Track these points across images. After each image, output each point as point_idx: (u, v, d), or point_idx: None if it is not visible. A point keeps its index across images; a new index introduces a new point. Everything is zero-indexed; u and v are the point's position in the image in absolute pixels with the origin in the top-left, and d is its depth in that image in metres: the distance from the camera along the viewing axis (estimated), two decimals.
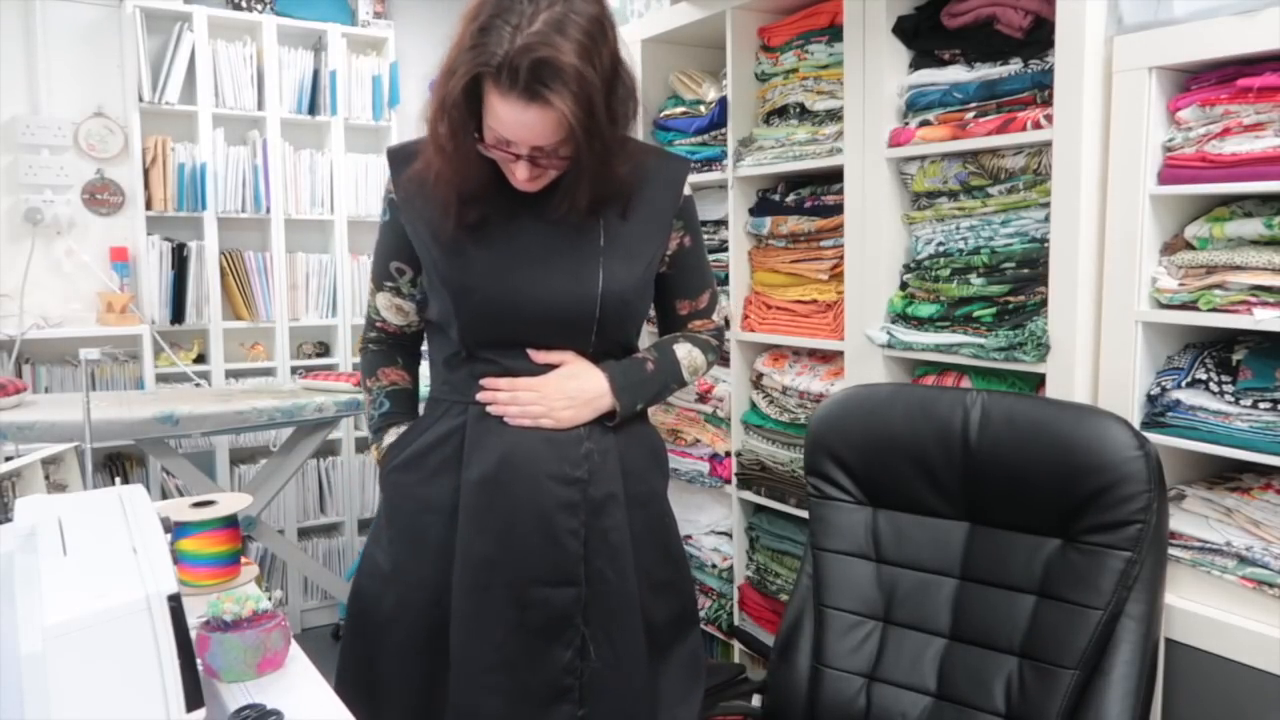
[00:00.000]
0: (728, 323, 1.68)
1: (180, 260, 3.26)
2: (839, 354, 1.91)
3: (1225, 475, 1.44)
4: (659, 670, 1.39)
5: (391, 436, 1.41)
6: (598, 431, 1.32)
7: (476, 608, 1.29)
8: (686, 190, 1.41)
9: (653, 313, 1.50)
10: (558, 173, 1.24)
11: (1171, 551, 1.34)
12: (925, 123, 1.70)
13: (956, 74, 1.67)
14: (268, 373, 3.48)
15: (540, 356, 1.30)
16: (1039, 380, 1.56)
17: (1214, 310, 1.31)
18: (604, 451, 1.32)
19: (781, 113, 2.06)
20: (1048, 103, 1.49)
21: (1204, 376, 1.36)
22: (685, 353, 1.43)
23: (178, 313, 3.28)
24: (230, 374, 3.39)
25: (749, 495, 2.16)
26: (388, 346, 1.47)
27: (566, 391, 1.30)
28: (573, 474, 1.29)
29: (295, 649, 1.16)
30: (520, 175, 1.21)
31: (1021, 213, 1.59)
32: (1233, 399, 1.32)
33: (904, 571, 1.45)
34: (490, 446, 1.30)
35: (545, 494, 1.27)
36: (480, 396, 1.31)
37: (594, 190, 1.25)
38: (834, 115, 1.91)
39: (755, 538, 2.21)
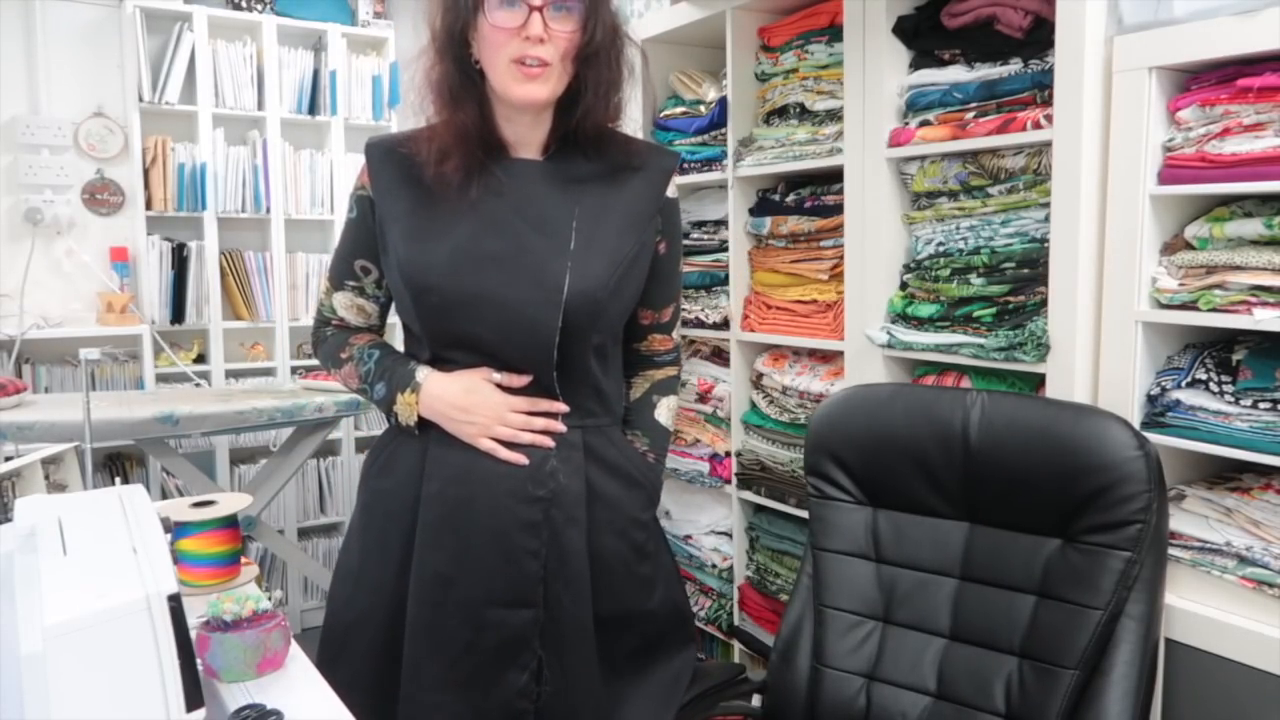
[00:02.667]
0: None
1: (180, 260, 3.26)
2: (839, 354, 1.91)
3: (1225, 475, 1.44)
4: (624, 697, 1.36)
5: (423, 372, 1.30)
6: (565, 448, 1.30)
7: (430, 625, 1.27)
8: (672, 191, 1.38)
9: None
10: (563, 61, 1.21)
11: (1171, 551, 1.34)
12: (925, 123, 1.70)
13: (956, 74, 1.67)
14: (268, 373, 3.48)
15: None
16: (1039, 380, 1.56)
17: (1214, 310, 1.31)
18: (570, 472, 1.29)
19: (781, 113, 2.06)
20: (1048, 103, 1.49)
21: (1204, 376, 1.36)
22: (665, 412, 1.45)
23: (178, 313, 3.28)
24: (230, 374, 3.39)
25: (749, 495, 2.16)
26: (350, 329, 1.42)
27: None
28: (535, 493, 1.27)
29: (295, 649, 1.16)
30: (533, 31, 1.17)
31: (1021, 213, 1.59)
32: (1233, 399, 1.32)
33: (904, 571, 1.45)
34: (451, 460, 1.28)
35: (505, 512, 1.26)
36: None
37: (598, 104, 1.25)
38: (834, 115, 1.91)
39: (755, 538, 2.21)
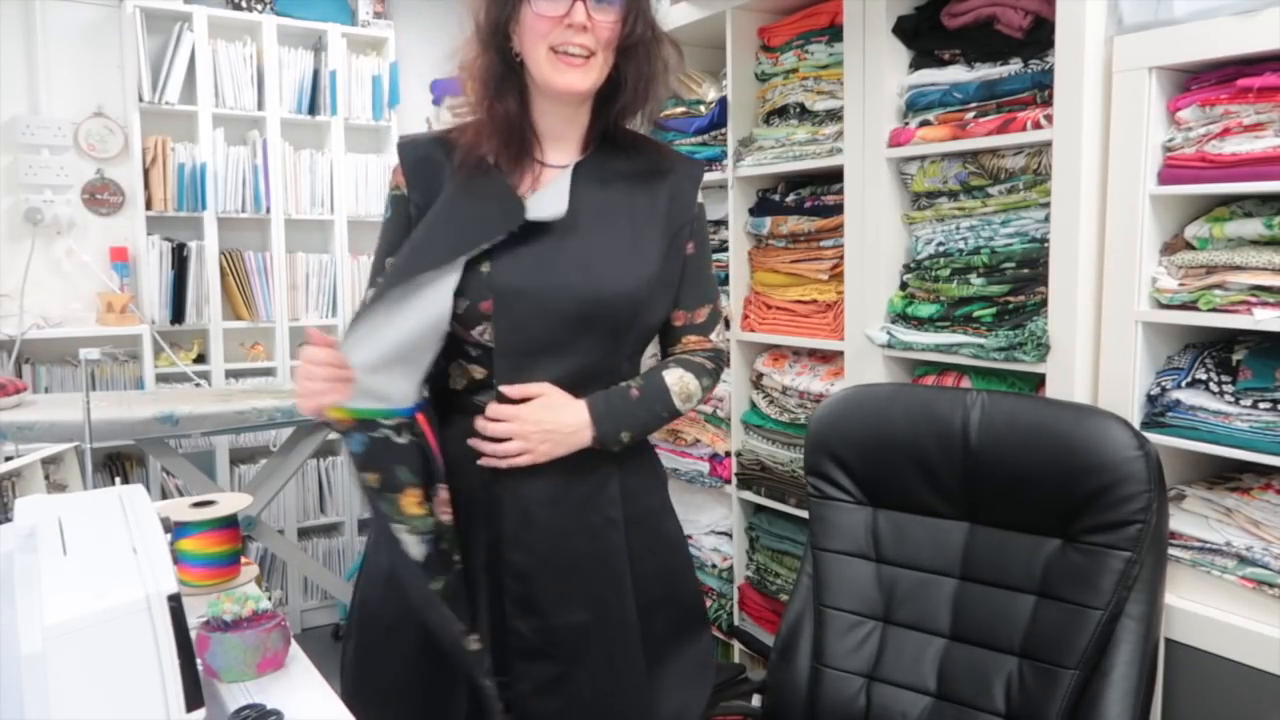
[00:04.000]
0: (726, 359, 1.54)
1: (180, 260, 3.26)
2: (839, 354, 1.91)
3: (1225, 475, 1.44)
4: (659, 679, 1.37)
5: None
6: (601, 460, 1.29)
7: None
8: (699, 196, 1.39)
9: None
10: (604, 51, 1.22)
11: (1171, 551, 1.34)
12: (925, 123, 1.70)
13: (956, 74, 1.67)
14: (268, 373, 3.48)
15: (514, 391, 1.24)
16: (1039, 380, 1.56)
17: (1214, 310, 1.31)
18: (605, 476, 1.30)
19: (781, 113, 2.06)
20: (1048, 103, 1.49)
21: (1204, 376, 1.36)
22: (675, 379, 1.33)
23: (178, 313, 3.28)
24: (230, 374, 3.39)
25: (749, 495, 2.16)
26: None
27: (544, 424, 1.24)
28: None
29: (295, 649, 1.16)
30: (576, 19, 1.18)
31: (1021, 213, 1.59)
32: (1233, 399, 1.32)
33: (904, 571, 1.45)
34: (474, 456, 1.28)
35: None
36: (472, 443, 1.25)
37: (636, 100, 1.26)
38: (834, 115, 1.91)
39: (755, 538, 2.21)
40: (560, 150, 1.30)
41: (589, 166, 1.30)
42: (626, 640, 1.32)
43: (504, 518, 1.26)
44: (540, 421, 1.24)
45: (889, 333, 1.75)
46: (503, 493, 1.27)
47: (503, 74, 1.25)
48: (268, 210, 3.40)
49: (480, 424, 1.25)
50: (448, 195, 1.27)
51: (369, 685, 1.34)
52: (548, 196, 1.26)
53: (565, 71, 1.20)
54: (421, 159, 1.29)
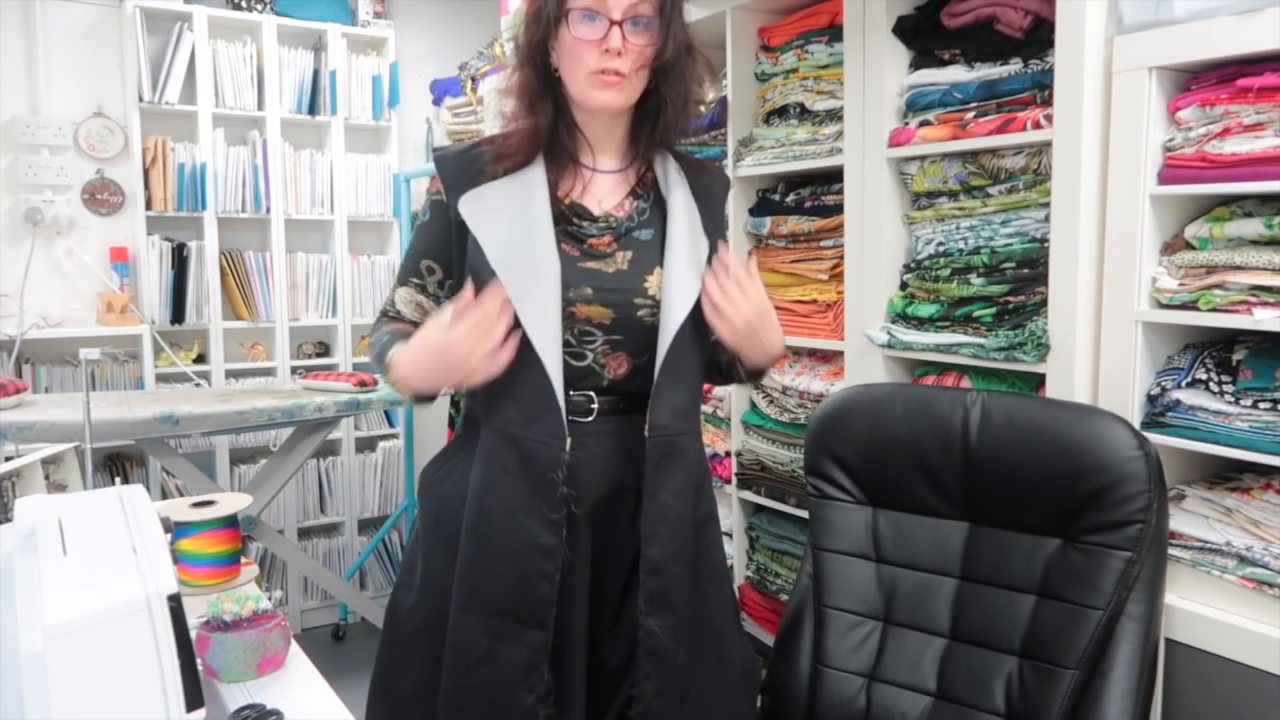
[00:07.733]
0: None
1: (180, 260, 3.26)
2: (839, 354, 1.91)
3: (1225, 475, 1.44)
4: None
5: (395, 348, 1.27)
6: (699, 449, 1.34)
7: (458, 627, 1.30)
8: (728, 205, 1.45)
9: None
10: (638, 71, 1.26)
11: (1171, 551, 1.34)
12: (925, 123, 1.70)
13: (956, 74, 1.67)
14: (268, 373, 3.48)
15: (744, 265, 1.27)
16: (1039, 380, 1.56)
17: (1214, 310, 1.31)
18: (705, 468, 1.35)
19: (781, 113, 2.06)
20: (1048, 103, 1.49)
21: (1204, 376, 1.36)
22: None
23: (178, 313, 3.28)
24: (230, 374, 3.39)
25: (749, 495, 2.16)
26: (404, 322, 1.41)
27: (762, 312, 1.26)
28: (550, 515, 1.27)
29: (295, 649, 1.16)
30: (613, 44, 1.22)
31: (1021, 213, 1.59)
32: (1233, 399, 1.32)
33: (904, 571, 1.45)
34: (479, 473, 1.30)
35: (520, 531, 1.27)
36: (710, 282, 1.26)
37: (676, 119, 1.31)
38: (834, 115, 1.91)
39: (755, 538, 2.21)
40: (605, 157, 1.36)
41: (628, 177, 1.37)
42: (728, 636, 1.38)
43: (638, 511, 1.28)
44: (761, 308, 1.27)
45: (889, 333, 1.75)
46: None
47: (539, 89, 1.31)
48: (268, 210, 3.40)
49: (730, 260, 1.26)
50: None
51: (389, 679, 1.38)
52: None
53: (601, 90, 1.26)
54: (458, 167, 1.35)
